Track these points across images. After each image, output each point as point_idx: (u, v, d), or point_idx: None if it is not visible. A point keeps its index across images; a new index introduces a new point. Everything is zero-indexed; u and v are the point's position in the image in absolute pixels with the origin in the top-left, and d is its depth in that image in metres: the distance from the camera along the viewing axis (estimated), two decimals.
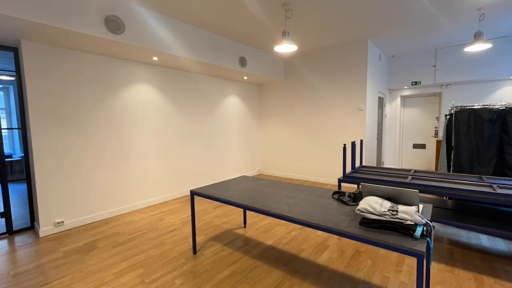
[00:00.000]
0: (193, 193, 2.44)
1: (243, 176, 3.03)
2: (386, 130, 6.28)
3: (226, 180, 2.84)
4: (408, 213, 1.37)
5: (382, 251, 2.47)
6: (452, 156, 3.77)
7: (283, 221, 3.26)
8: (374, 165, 5.46)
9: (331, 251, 2.50)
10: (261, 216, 3.48)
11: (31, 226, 3.16)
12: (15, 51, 2.92)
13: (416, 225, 1.35)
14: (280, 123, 5.94)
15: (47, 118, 2.96)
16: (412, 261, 2.29)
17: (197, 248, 2.62)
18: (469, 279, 2.03)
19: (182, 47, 3.59)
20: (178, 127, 4.42)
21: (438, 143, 5.09)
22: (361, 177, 2.76)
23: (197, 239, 2.82)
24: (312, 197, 2.14)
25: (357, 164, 4.86)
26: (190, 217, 3.47)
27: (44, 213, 2.98)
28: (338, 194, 2.13)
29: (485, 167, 3.50)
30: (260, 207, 1.92)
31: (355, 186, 5.08)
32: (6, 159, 3.00)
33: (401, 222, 1.38)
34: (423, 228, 1.33)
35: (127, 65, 3.67)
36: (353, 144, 2.91)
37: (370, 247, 2.56)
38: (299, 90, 5.54)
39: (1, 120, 3.28)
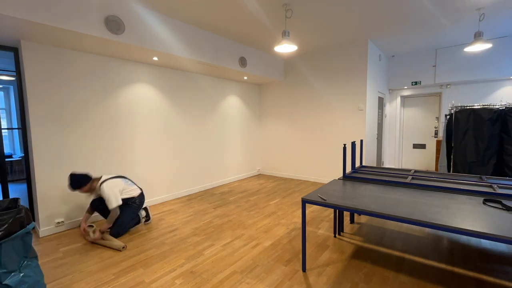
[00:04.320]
0: (305, 202, 2.11)
1: (334, 180, 2.73)
2: (386, 130, 6.28)
3: (325, 185, 2.53)
4: None
5: (382, 252, 2.47)
6: (452, 156, 3.77)
7: (283, 221, 3.26)
8: (374, 165, 5.46)
9: (331, 251, 2.50)
10: (261, 216, 3.48)
11: None
12: (15, 51, 2.92)
13: None
14: (280, 123, 5.94)
15: (47, 118, 2.96)
16: (412, 262, 2.29)
17: (197, 248, 2.62)
18: (469, 279, 2.03)
19: (182, 47, 3.59)
20: (178, 127, 4.42)
21: (438, 143, 5.09)
22: (361, 177, 2.76)
23: (197, 239, 2.82)
24: (465, 206, 1.88)
25: (357, 164, 4.86)
26: (191, 219, 3.48)
27: (44, 213, 2.98)
28: (492, 202, 1.94)
29: (485, 167, 3.51)
30: (429, 220, 1.62)
31: None
32: (6, 159, 3.00)
33: None
34: None
35: (127, 65, 3.67)
36: (353, 144, 2.91)
37: (371, 247, 2.56)
38: (299, 90, 5.54)
39: (1, 120, 3.28)
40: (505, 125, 3.38)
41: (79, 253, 2.57)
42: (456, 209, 1.81)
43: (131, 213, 2.97)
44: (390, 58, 5.89)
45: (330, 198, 2.12)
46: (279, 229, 3.04)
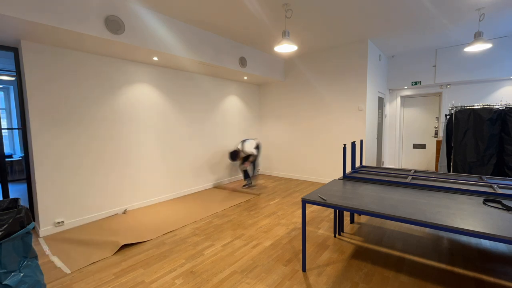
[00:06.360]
0: (305, 202, 2.12)
1: (334, 180, 2.74)
2: (386, 130, 6.27)
3: (325, 185, 2.53)
4: None
5: (382, 252, 2.47)
6: (452, 156, 3.77)
7: (283, 221, 3.26)
8: (374, 165, 5.46)
9: (331, 251, 2.50)
10: (261, 216, 3.48)
11: None
12: (15, 51, 2.92)
13: None
14: (280, 123, 5.94)
15: (47, 118, 2.96)
16: (412, 262, 2.29)
17: (197, 248, 2.62)
18: (469, 279, 2.03)
19: (182, 47, 3.59)
20: (178, 127, 4.42)
21: (438, 143, 5.09)
22: (361, 177, 2.76)
23: (197, 239, 2.82)
24: (465, 206, 1.87)
25: (357, 164, 4.86)
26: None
27: (44, 213, 2.98)
28: (492, 201, 1.95)
29: (485, 167, 3.51)
30: (429, 220, 1.62)
31: None
32: (6, 159, 3.00)
33: None
34: None
35: (127, 65, 3.67)
36: (353, 144, 2.91)
37: (371, 247, 2.56)
38: (299, 90, 5.54)
39: (1, 120, 3.28)
40: (505, 125, 3.38)
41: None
42: (456, 209, 1.81)
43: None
44: (390, 58, 5.89)
45: (330, 198, 2.12)
46: (279, 229, 3.04)
